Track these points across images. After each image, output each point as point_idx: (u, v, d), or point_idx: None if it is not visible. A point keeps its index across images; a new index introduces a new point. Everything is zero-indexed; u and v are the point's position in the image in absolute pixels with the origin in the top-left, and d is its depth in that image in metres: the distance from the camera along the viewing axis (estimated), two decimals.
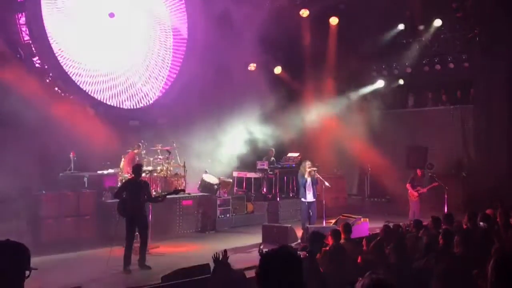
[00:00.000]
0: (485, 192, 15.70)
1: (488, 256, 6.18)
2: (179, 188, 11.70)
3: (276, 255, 2.60)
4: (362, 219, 13.83)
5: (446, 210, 13.85)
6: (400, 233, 9.08)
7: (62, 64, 15.47)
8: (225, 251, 6.47)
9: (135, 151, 14.71)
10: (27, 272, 2.94)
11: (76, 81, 15.84)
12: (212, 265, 7.07)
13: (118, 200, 10.48)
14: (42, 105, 13.07)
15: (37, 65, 14.89)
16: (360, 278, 2.64)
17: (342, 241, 8.04)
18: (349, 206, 17.86)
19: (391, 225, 10.00)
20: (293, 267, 2.55)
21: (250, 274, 7.45)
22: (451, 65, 19.06)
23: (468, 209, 10.62)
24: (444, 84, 19.88)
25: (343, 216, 13.92)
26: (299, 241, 12.72)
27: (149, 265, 10.33)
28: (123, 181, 12.60)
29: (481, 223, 9.00)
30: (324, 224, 13.57)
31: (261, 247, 7.00)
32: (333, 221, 13.83)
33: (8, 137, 12.23)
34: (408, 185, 15.18)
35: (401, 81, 20.40)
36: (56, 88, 15.11)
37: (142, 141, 15.03)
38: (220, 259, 6.45)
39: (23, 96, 12.92)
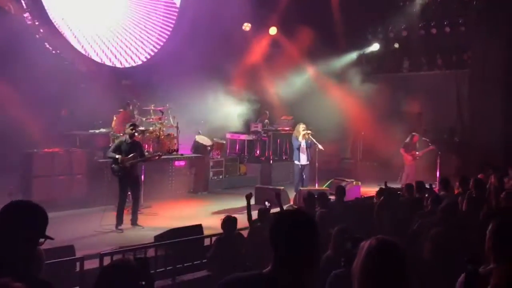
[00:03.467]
0: (477, 158, 15.75)
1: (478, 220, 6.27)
2: (172, 148, 11.62)
3: (291, 215, 2.55)
4: (354, 182, 13.91)
5: (438, 175, 13.92)
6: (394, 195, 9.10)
7: (53, 21, 15.15)
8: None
9: (127, 110, 14.55)
10: (41, 240, 2.77)
11: (67, 39, 15.56)
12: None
13: (110, 159, 10.42)
14: (33, 63, 12.86)
15: (28, 22, 14.57)
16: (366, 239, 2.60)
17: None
18: (342, 170, 17.91)
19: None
20: (307, 228, 2.49)
21: (243, 234, 7.50)
22: (447, 29, 18.87)
23: (460, 175, 10.66)
24: (440, 48, 19.70)
25: (336, 179, 13.98)
26: (291, 203, 12.76)
27: (141, 225, 10.35)
28: (115, 140, 12.50)
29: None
30: (316, 187, 13.62)
31: (267, 203, 7.05)
32: (326, 184, 13.90)
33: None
34: (402, 150, 15.20)
35: (396, 45, 20.21)
36: (47, 45, 14.81)
37: (134, 100, 14.86)
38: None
39: (14, 53, 12.74)
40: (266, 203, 7.15)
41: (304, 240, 2.46)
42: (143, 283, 3.04)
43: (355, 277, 2.51)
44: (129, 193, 10.57)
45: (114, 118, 14.33)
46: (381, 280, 2.46)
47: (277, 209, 7.31)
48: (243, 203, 12.40)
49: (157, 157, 10.86)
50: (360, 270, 2.50)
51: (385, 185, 9.26)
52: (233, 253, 6.55)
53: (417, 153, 15.13)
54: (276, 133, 17.44)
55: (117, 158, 10.20)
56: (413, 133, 15.52)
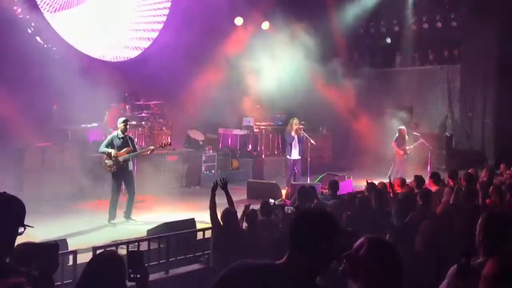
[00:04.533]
0: (468, 152, 15.88)
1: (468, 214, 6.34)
2: (165, 142, 11.61)
3: (318, 214, 2.58)
4: (346, 176, 13.97)
5: (429, 170, 14.01)
6: (383, 190, 9.13)
7: (45, 14, 15.07)
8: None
9: (120, 105, 14.53)
10: (21, 229, 2.82)
11: (59, 33, 15.48)
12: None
13: (102, 154, 10.41)
14: (24, 57, 12.82)
15: (19, 15, 14.48)
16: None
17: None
18: (334, 164, 17.98)
19: (376, 182, 10.09)
20: (331, 228, 2.52)
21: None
22: (439, 24, 18.95)
23: (451, 169, 10.75)
24: (431, 44, 19.80)
25: (328, 173, 14.03)
26: (283, 198, 12.80)
27: (135, 219, 10.36)
28: (108, 135, 12.49)
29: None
30: (308, 181, 13.67)
31: (271, 200, 7.13)
32: (318, 178, 13.95)
33: None
34: (393, 144, 15.26)
35: (388, 40, 20.28)
36: (38, 38, 14.74)
37: (127, 94, 14.83)
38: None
39: (5, 46, 12.68)
40: (271, 200, 7.21)
41: (327, 241, 2.48)
42: (138, 275, 3.08)
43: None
44: (122, 187, 10.58)
45: (107, 112, 14.32)
46: (372, 278, 2.51)
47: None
48: (235, 197, 12.49)
49: (149, 152, 10.86)
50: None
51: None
52: (232, 246, 6.59)
53: (407, 147, 15.19)
54: (268, 128, 17.47)
55: (110, 153, 10.20)
56: (400, 127, 15.57)
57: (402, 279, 2.55)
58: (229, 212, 6.88)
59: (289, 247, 2.52)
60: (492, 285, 2.74)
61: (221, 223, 6.84)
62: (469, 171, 10.24)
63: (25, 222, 2.85)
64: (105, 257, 3.50)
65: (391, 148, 15.57)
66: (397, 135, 15.41)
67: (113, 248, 7.00)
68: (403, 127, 15.60)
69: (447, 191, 7.66)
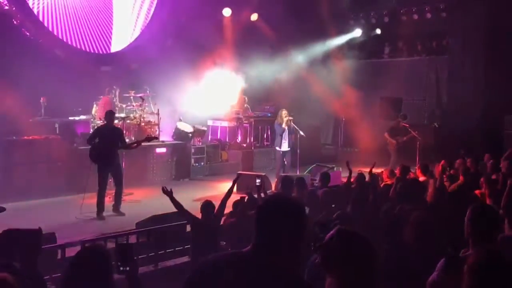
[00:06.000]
0: (456, 143, 15.93)
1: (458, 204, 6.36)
2: (153, 135, 11.54)
3: (281, 201, 2.54)
4: (335, 168, 14.00)
5: (418, 160, 14.05)
6: (363, 182, 9.06)
7: (30, 5, 14.88)
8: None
9: (108, 97, 14.43)
10: None
11: (46, 25, 15.31)
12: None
13: (90, 146, 10.34)
14: (10, 49, 12.68)
15: (5, 7, 14.29)
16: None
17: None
18: (323, 156, 18.00)
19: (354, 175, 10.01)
20: (294, 215, 2.49)
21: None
22: (428, 15, 18.95)
23: (440, 160, 10.78)
24: (420, 34, 19.81)
25: (317, 165, 14.06)
26: (273, 189, 12.79)
27: (123, 212, 10.31)
28: (96, 127, 12.40)
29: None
30: (298, 173, 13.67)
31: (258, 180, 7.09)
32: (307, 170, 13.96)
33: None
34: (386, 134, 15.23)
35: (378, 31, 20.26)
36: (25, 31, 14.56)
37: (115, 87, 14.73)
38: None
39: None
40: (257, 180, 7.18)
41: (289, 227, 2.44)
42: (127, 268, 3.06)
43: None
44: (110, 180, 10.52)
45: (95, 105, 14.22)
46: (344, 268, 2.55)
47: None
48: (224, 189, 12.46)
49: (135, 145, 10.81)
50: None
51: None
52: (210, 237, 6.62)
53: (400, 138, 15.19)
54: (257, 120, 17.44)
55: (97, 146, 10.13)
56: (399, 119, 15.59)
57: (374, 271, 2.55)
58: (208, 205, 6.91)
59: (255, 235, 2.49)
60: (475, 275, 2.76)
61: (199, 215, 6.87)
62: (457, 161, 10.29)
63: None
64: (90, 251, 3.49)
65: (380, 139, 15.60)
66: (392, 125, 15.40)
67: (102, 241, 6.96)
68: (400, 119, 15.62)
69: (432, 182, 7.67)
